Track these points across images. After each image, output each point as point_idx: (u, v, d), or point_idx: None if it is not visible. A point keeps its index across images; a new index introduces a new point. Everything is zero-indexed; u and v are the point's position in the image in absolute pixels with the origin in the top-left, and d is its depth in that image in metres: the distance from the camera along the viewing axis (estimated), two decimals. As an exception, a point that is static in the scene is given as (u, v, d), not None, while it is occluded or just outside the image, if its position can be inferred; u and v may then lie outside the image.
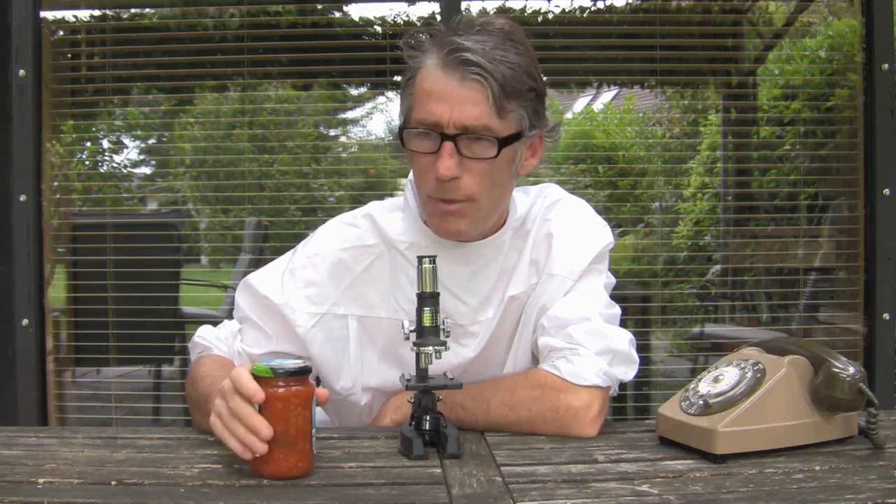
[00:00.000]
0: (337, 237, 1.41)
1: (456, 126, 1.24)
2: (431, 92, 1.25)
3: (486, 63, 1.21)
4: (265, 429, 1.01)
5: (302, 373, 1.05)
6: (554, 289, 1.37)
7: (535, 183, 1.51)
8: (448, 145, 1.25)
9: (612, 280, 1.46)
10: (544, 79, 1.33)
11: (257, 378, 1.04)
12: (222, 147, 3.42)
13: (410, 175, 1.38)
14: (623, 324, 1.41)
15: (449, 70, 1.23)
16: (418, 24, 3.21)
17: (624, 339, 1.33)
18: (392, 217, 1.41)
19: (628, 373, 1.33)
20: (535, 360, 1.39)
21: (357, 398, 1.40)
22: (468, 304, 1.38)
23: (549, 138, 1.37)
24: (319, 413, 1.25)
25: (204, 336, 1.39)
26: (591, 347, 1.29)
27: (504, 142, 1.26)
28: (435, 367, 1.19)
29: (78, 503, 0.96)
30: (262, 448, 1.02)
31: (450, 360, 1.19)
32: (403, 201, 1.42)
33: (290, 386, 1.04)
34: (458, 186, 1.27)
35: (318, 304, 1.38)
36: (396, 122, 1.34)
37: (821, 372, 1.15)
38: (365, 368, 1.39)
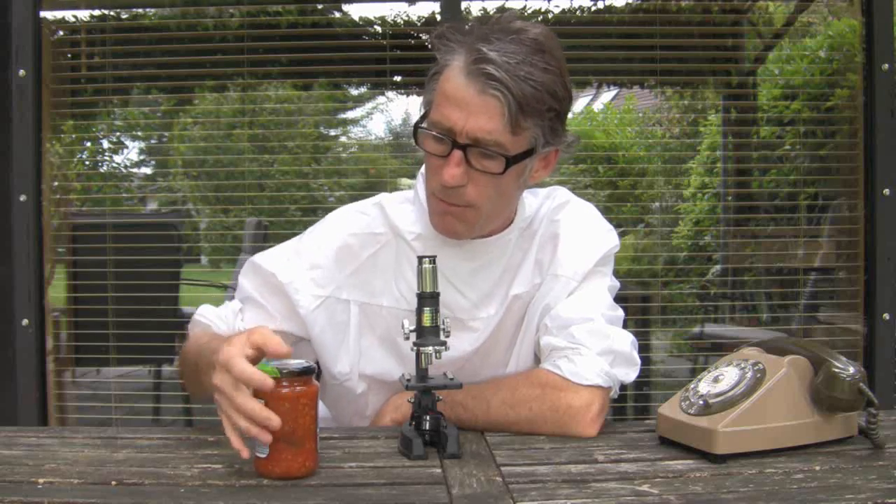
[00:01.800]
0: (346, 223, 1.42)
1: (468, 136, 1.24)
2: (451, 96, 1.25)
3: (508, 79, 1.21)
4: (275, 419, 1.01)
5: (307, 372, 1.05)
6: (558, 289, 1.38)
7: (539, 185, 1.51)
8: (457, 154, 1.25)
9: (617, 284, 1.46)
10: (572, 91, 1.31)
11: None
12: (222, 147, 3.42)
13: (422, 169, 1.39)
14: (624, 324, 1.41)
15: (471, 78, 1.23)
16: (418, 24, 3.21)
17: (626, 341, 1.33)
18: (402, 208, 1.42)
19: (629, 374, 1.33)
20: (538, 360, 1.39)
21: (353, 385, 1.40)
22: (469, 298, 1.38)
23: (566, 152, 1.37)
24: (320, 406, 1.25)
25: (204, 314, 1.39)
26: (593, 347, 1.29)
27: (513, 159, 1.26)
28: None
29: (78, 503, 0.95)
30: (268, 439, 1.01)
31: (446, 353, 1.19)
32: (413, 194, 1.44)
33: (297, 386, 1.04)
34: (461, 193, 1.28)
35: (323, 286, 1.38)
36: (396, 122, 1.35)
37: (821, 372, 1.15)
38: (363, 355, 1.40)
